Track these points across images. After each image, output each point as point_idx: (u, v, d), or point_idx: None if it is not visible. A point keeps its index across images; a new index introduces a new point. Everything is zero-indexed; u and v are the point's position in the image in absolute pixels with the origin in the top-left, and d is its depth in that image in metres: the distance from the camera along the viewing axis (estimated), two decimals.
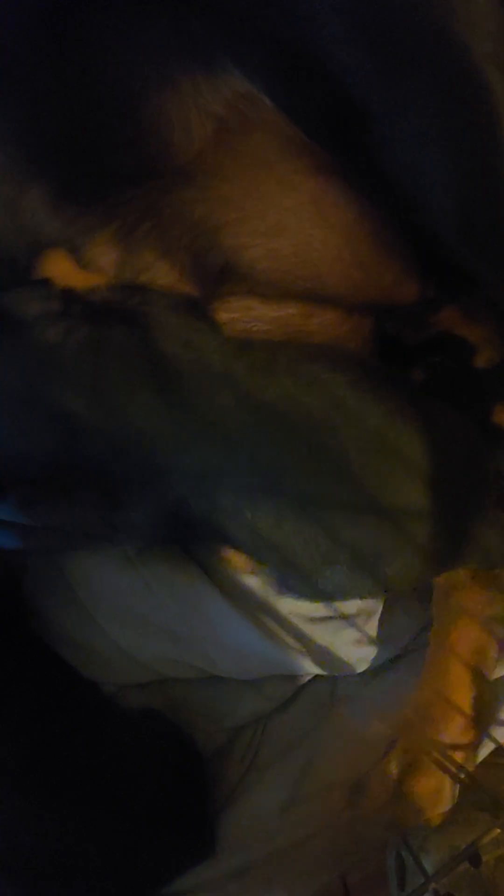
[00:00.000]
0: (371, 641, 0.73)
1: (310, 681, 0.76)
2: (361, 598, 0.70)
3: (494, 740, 0.66)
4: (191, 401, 0.59)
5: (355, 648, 0.73)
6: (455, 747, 0.65)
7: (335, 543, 0.60)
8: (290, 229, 0.60)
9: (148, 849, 0.67)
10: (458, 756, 0.64)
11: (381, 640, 0.73)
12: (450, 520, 0.62)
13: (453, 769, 0.64)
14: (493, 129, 0.51)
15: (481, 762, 0.65)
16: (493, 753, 0.65)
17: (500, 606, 0.67)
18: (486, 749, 0.65)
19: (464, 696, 0.65)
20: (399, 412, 0.62)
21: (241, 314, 0.64)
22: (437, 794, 0.64)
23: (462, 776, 0.64)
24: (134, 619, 0.73)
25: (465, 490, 0.63)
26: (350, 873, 0.69)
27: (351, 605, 0.74)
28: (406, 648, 0.74)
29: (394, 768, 0.63)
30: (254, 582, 0.72)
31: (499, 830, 0.64)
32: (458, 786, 0.63)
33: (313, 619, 0.73)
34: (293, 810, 0.70)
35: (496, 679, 0.67)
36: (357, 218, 0.61)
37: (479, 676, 0.66)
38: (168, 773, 0.70)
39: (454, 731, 0.65)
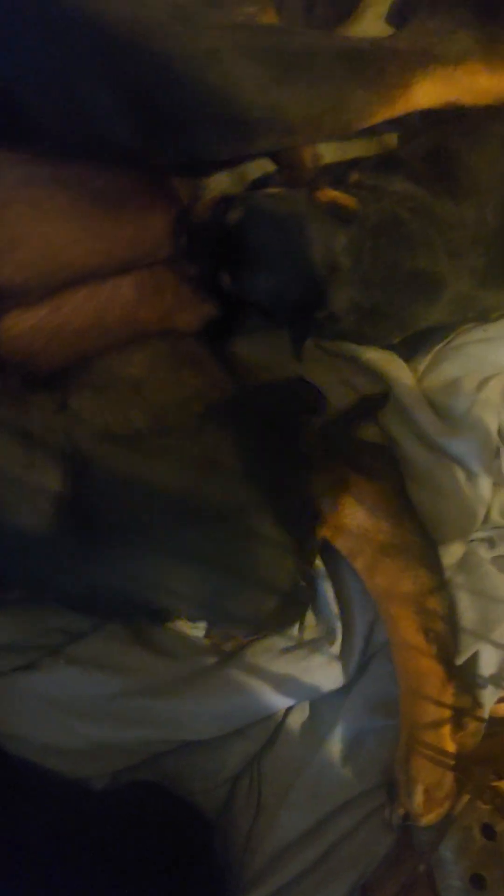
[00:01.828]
0: (337, 659, 0.76)
1: (289, 710, 0.78)
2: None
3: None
4: None
5: (324, 671, 0.76)
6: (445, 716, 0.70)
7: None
8: (21, 237, 0.65)
9: None
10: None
11: (344, 655, 0.77)
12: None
13: (441, 755, 0.70)
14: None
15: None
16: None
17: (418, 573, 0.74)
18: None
19: (428, 649, 0.71)
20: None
21: (19, 330, 0.68)
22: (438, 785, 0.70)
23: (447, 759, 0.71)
24: (105, 714, 0.73)
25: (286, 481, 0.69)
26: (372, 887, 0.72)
27: (314, 630, 0.78)
28: (368, 650, 0.78)
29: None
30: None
31: (468, 796, 0.71)
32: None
33: (283, 652, 0.76)
34: (317, 832, 0.73)
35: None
36: (69, 198, 0.65)
37: (432, 629, 0.72)
38: (173, 837, 0.70)
39: (436, 688, 0.70)
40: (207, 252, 0.70)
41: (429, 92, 0.69)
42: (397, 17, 0.93)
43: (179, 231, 0.71)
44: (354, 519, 0.74)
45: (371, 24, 0.92)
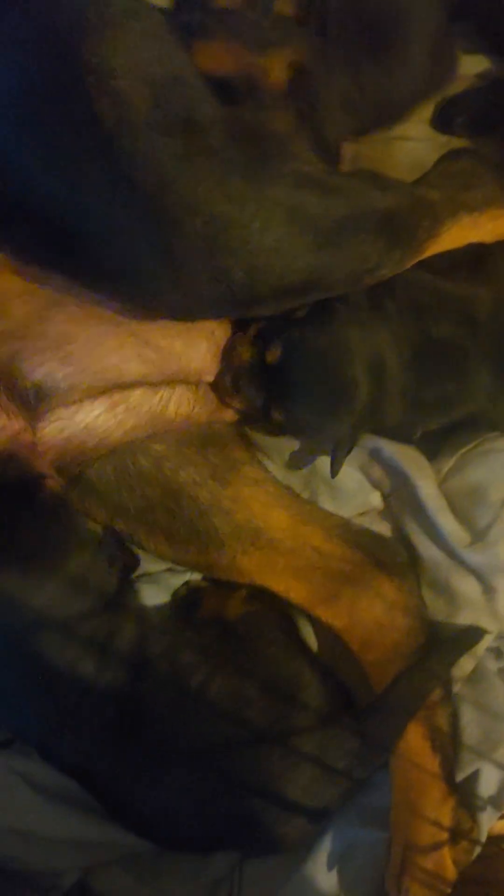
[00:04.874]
0: None
1: None
2: None
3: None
4: None
5: None
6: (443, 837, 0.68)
7: None
8: (68, 335, 0.67)
9: None
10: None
11: None
12: None
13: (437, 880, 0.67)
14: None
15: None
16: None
17: None
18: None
19: (431, 760, 0.69)
20: None
21: (67, 424, 0.70)
22: None
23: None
24: (93, 807, 0.70)
25: None
26: None
27: None
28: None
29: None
30: None
31: None
32: None
33: None
34: None
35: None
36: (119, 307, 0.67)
37: (437, 739, 0.70)
38: None
39: (435, 803, 0.68)
40: (253, 390, 0.73)
41: (455, 237, 0.73)
42: (440, 122, 0.96)
43: (224, 371, 0.74)
44: (371, 611, 0.73)
45: (414, 128, 0.95)
